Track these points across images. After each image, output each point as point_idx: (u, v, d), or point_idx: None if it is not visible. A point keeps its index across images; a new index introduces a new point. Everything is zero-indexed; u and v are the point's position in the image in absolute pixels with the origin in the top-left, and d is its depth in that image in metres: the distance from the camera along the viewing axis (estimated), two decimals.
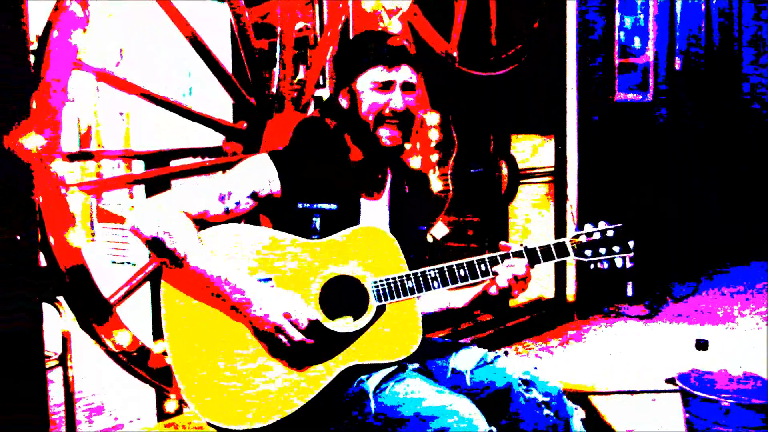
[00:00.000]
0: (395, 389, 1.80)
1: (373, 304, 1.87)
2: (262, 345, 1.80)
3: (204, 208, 1.84)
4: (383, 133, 1.93)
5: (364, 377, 1.84)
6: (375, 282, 1.87)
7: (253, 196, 1.90)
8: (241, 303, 1.77)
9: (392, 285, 1.88)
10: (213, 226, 1.85)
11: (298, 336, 1.77)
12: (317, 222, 1.91)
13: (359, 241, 1.90)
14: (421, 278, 1.89)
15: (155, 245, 1.77)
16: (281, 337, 1.77)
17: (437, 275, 1.90)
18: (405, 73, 1.93)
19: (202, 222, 1.84)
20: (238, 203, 1.88)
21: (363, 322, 1.86)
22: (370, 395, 1.80)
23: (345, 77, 1.98)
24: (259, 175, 1.91)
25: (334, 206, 1.94)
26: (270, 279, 1.83)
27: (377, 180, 2.05)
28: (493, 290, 1.93)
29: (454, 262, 1.91)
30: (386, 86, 1.92)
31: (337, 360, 1.83)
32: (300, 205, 1.92)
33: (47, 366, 2.52)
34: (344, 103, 1.98)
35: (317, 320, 1.79)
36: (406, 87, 1.94)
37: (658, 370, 3.93)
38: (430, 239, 3.76)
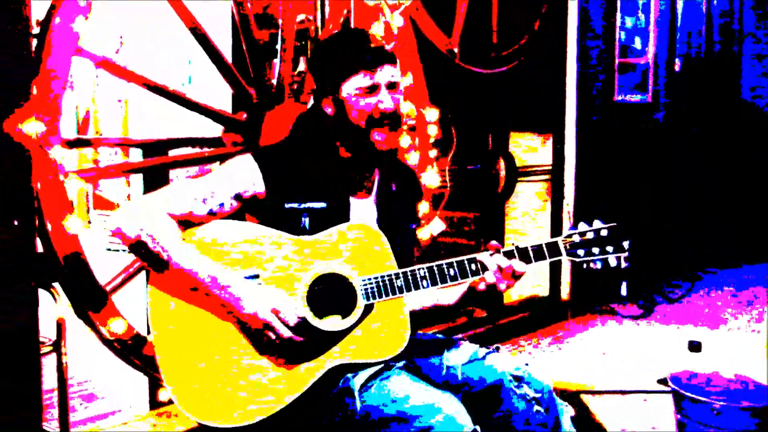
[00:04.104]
0: (380, 388, 1.79)
1: (361, 302, 1.85)
2: (250, 343, 1.80)
3: (188, 210, 1.83)
4: (378, 137, 1.92)
5: (350, 375, 1.84)
6: (363, 280, 1.86)
7: (237, 197, 1.89)
8: (229, 301, 1.77)
9: (381, 284, 1.86)
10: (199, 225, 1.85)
11: (286, 333, 1.77)
12: (306, 221, 1.91)
13: (348, 238, 1.88)
14: (410, 277, 1.88)
15: (139, 248, 1.76)
16: (270, 334, 1.77)
17: (426, 274, 1.88)
18: (388, 73, 1.92)
19: (186, 223, 1.83)
20: (222, 205, 1.87)
21: (350, 321, 1.84)
22: (356, 393, 1.80)
23: (325, 85, 1.96)
24: (242, 176, 1.90)
25: (322, 204, 1.93)
26: (257, 276, 1.82)
27: (365, 178, 2.04)
28: (481, 286, 1.92)
29: (443, 261, 1.90)
30: (371, 90, 1.91)
31: (324, 359, 1.82)
32: (287, 205, 1.91)
33: (41, 351, 2.53)
34: (329, 110, 1.97)
35: (305, 318, 1.79)
36: (391, 85, 1.93)
37: (651, 370, 3.94)
38: (426, 235, 3.76)
